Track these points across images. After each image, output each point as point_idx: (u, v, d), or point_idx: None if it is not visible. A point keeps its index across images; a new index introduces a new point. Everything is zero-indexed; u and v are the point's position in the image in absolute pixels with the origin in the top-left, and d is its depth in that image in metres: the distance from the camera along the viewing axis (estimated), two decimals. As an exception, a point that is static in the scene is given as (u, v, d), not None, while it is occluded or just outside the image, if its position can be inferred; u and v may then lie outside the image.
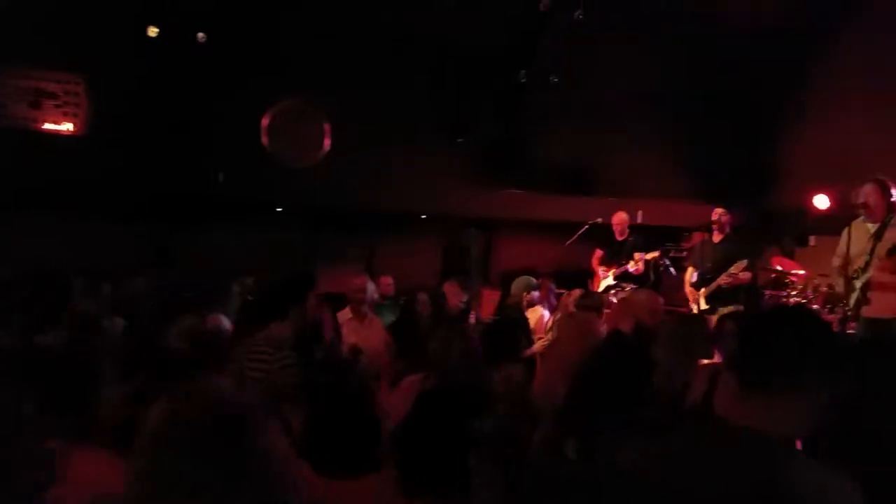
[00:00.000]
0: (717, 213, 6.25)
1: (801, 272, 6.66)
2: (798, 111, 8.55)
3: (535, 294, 5.61)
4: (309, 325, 2.83)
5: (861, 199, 4.85)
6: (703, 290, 6.17)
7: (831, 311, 5.89)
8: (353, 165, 7.41)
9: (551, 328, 5.36)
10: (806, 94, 8.41)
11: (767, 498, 1.39)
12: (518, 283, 5.66)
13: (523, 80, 7.92)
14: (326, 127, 6.20)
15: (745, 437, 1.49)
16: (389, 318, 5.94)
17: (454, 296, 5.65)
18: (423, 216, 8.58)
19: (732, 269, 5.93)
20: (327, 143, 6.21)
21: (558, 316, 5.22)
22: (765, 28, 7.45)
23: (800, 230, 8.24)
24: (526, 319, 5.31)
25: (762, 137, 8.93)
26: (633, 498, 1.69)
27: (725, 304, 5.91)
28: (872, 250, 4.74)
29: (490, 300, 8.15)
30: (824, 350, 1.55)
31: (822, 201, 7.80)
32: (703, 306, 6.11)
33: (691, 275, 6.43)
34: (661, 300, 3.99)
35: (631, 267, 7.23)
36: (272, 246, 7.64)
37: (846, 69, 7.70)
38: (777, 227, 6.65)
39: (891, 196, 4.80)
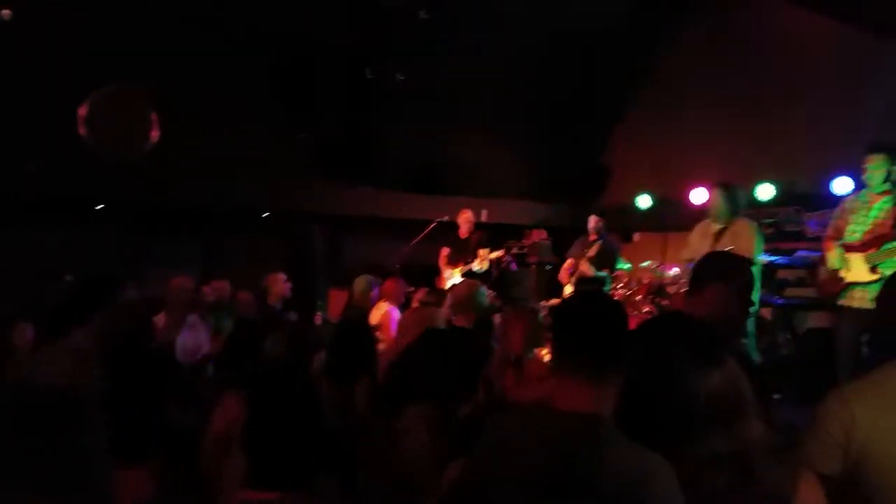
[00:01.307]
0: (593, 219, 7.08)
1: (627, 266, 7.16)
2: (627, 116, 9.20)
3: (375, 292, 5.59)
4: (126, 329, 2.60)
5: (710, 202, 5.27)
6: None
7: (651, 301, 6.39)
8: (185, 159, 6.96)
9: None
10: (635, 100, 9.06)
11: (593, 475, 1.50)
12: (360, 282, 5.62)
13: (369, 77, 7.87)
14: (154, 117, 5.73)
15: (570, 419, 1.60)
16: (229, 323, 5.68)
17: (279, 285, 5.53)
18: (265, 214, 8.27)
19: (589, 254, 6.85)
20: (155, 134, 5.75)
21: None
22: (601, 34, 7.90)
23: (625, 227, 8.86)
24: (366, 322, 5.27)
25: (595, 140, 9.52)
26: (474, 479, 1.74)
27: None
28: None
29: (338, 300, 8.03)
30: (628, 338, 1.69)
31: (644, 200, 8.45)
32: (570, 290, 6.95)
33: (567, 267, 7.18)
34: (484, 295, 4.09)
35: (476, 264, 7.45)
36: (94, 247, 7.03)
37: (673, 78, 8.37)
38: (606, 223, 7.17)
39: (734, 202, 5.26)
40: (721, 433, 1.57)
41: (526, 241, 9.10)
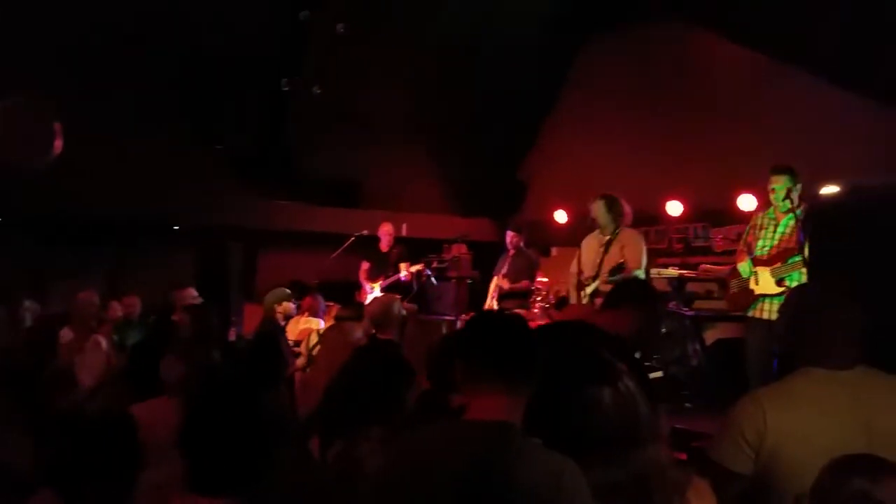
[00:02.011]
0: (510, 235, 7.22)
1: (545, 280, 7.29)
2: (543, 132, 9.41)
3: (291, 305, 5.47)
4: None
5: (592, 214, 5.45)
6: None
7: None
8: (92, 170, 6.63)
9: (316, 343, 5.27)
10: (551, 117, 9.28)
11: (506, 481, 1.53)
12: (268, 297, 5.50)
13: (286, 90, 7.72)
14: (57, 127, 5.42)
15: (481, 428, 1.63)
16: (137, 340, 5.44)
17: (188, 300, 5.40)
18: (177, 227, 7.95)
19: (503, 271, 6.97)
20: (58, 144, 5.43)
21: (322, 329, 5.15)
22: (516, 51, 8.04)
23: (543, 241, 9.03)
24: (277, 336, 5.14)
25: (513, 156, 9.68)
26: (384, 490, 1.73)
27: (514, 306, 6.71)
28: (601, 262, 5.32)
29: (254, 316, 7.80)
30: (538, 354, 1.74)
31: (561, 216, 8.64)
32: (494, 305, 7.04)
33: (494, 287, 7.23)
34: (398, 306, 4.07)
35: (402, 275, 7.42)
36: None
37: (587, 97, 8.62)
38: (524, 238, 7.30)
39: (619, 212, 5.44)
40: (617, 459, 1.57)
41: (446, 256, 9.14)
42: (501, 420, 1.64)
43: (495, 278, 7.23)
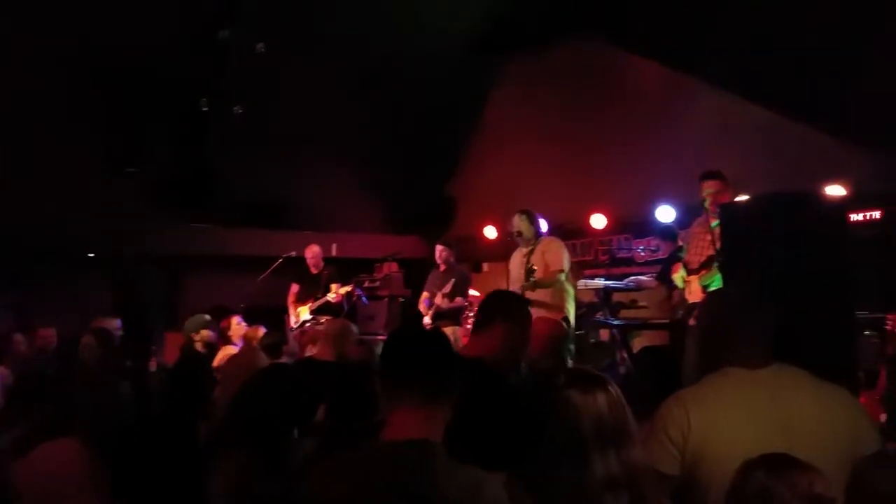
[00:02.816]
0: (439, 249, 7.18)
1: (477, 294, 7.30)
2: (471, 149, 9.49)
3: (210, 333, 5.29)
4: None
5: (513, 229, 5.57)
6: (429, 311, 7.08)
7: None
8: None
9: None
10: (476, 137, 9.37)
11: (427, 499, 1.53)
12: (186, 326, 5.32)
13: (205, 109, 7.51)
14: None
15: (400, 447, 1.63)
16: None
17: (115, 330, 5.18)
18: (91, 255, 7.60)
19: (444, 290, 6.89)
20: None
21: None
22: (439, 67, 8.10)
23: (474, 257, 9.07)
24: (200, 363, 4.97)
25: (441, 172, 9.71)
26: None
27: (448, 324, 6.71)
28: (526, 273, 5.38)
29: (175, 344, 7.51)
30: (457, 367, 1.78)
31: (490, 231, 8.71)
32: (429, 322, 6.97)
33: (424, 299, 7.18)
34: (355, 329, 4.05)
35: (330, 297, 7.29)
36: None
37: (512, 112, 8.75)
38: (455, 253, 7.29)
39: (537, 224, 5.61)
40: (612, 455, 1.68)
41: (377, 275, 9.05)
42: (420, 438, 1.64)
43: (425, 293, 7.19)
